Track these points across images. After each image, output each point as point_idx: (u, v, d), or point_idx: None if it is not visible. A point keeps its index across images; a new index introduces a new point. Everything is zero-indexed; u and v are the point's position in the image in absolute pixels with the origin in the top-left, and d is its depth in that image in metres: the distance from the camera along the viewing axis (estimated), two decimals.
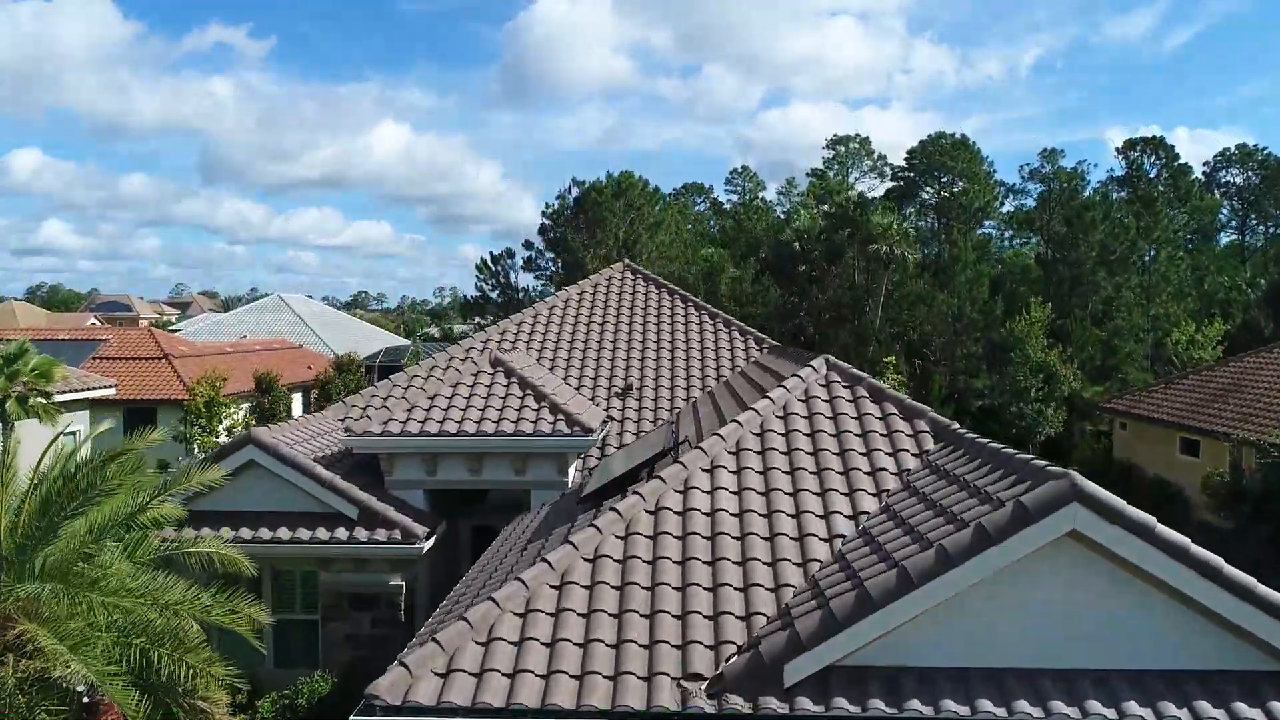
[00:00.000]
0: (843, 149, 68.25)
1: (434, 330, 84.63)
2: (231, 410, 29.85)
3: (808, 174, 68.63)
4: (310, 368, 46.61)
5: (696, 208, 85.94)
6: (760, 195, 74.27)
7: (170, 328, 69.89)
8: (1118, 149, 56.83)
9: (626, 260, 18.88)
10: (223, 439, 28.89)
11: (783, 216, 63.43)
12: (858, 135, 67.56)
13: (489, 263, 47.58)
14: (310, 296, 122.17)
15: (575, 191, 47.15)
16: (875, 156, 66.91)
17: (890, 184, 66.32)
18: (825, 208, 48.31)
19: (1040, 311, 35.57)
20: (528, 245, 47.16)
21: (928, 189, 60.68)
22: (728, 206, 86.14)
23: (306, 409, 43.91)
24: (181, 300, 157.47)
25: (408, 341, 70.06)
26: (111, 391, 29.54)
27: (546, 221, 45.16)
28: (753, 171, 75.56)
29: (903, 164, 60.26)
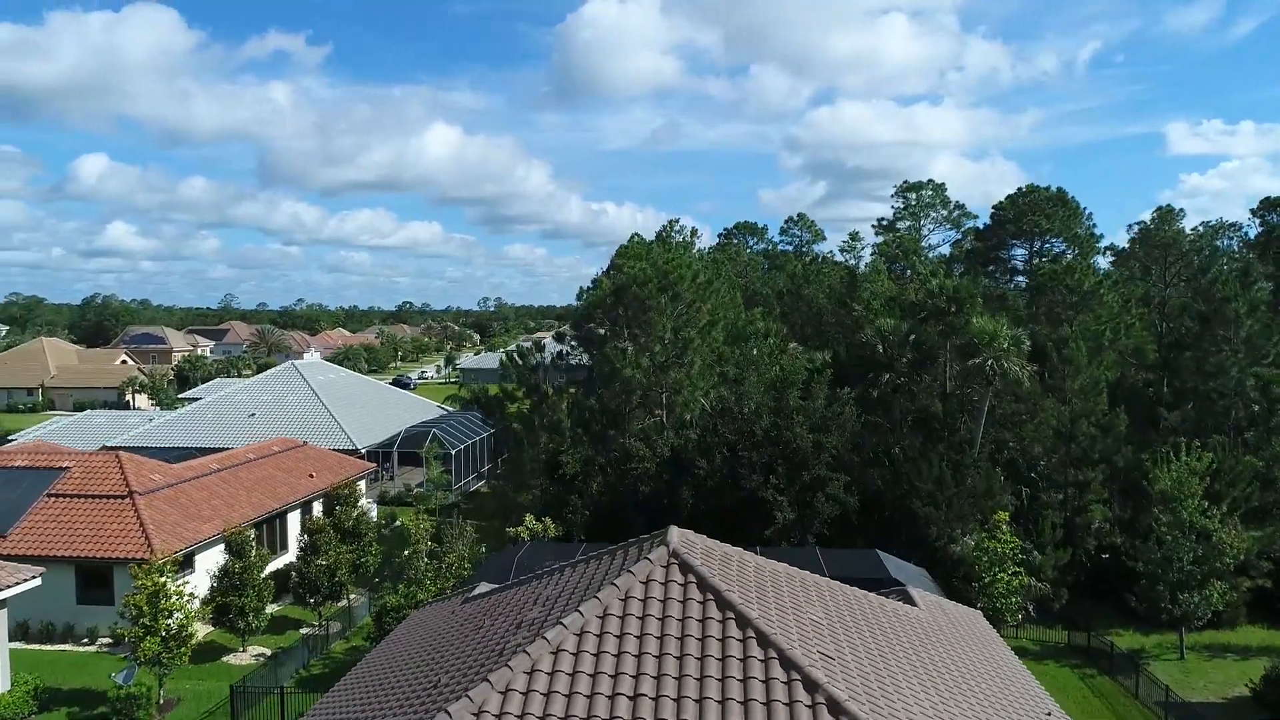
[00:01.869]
0: (914, 197, 60.91)
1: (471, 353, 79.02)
2: (182, 601, 23.95)
3: (874, 225, 61.36)
4: (313, 475, 40.94)
5: (751, 246, 79.26)
6: (816, 240, 66.97)
7: (179, 397, 64.89)
8: (1253, 210, 48.69)
9: (673, 549, 12.25)
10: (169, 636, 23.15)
11: (847, 275, 56.28)
12: (930, 182, 60.31)
13: (517, 357, 41.50)
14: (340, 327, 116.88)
15: (609, 255, 41.06)
16: (951, 206, 59.42)
17: (959, 236, 58.85)
18: (910, 291, 41.19)
19: (1200, 461, 28.29)
20: (559, 338, 40.98)
21: (1018, 246, 53.17)
22: (782, 248, 79.26)
23: (304, 526, 38.23)
24: (219, 327, 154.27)
25: (437, 409, 64.35)
26: (37, 582, 23.96)
27: (580, 310, 38.85)
28: (810, 220, 68.27)
29: (973, 212, 53.05)
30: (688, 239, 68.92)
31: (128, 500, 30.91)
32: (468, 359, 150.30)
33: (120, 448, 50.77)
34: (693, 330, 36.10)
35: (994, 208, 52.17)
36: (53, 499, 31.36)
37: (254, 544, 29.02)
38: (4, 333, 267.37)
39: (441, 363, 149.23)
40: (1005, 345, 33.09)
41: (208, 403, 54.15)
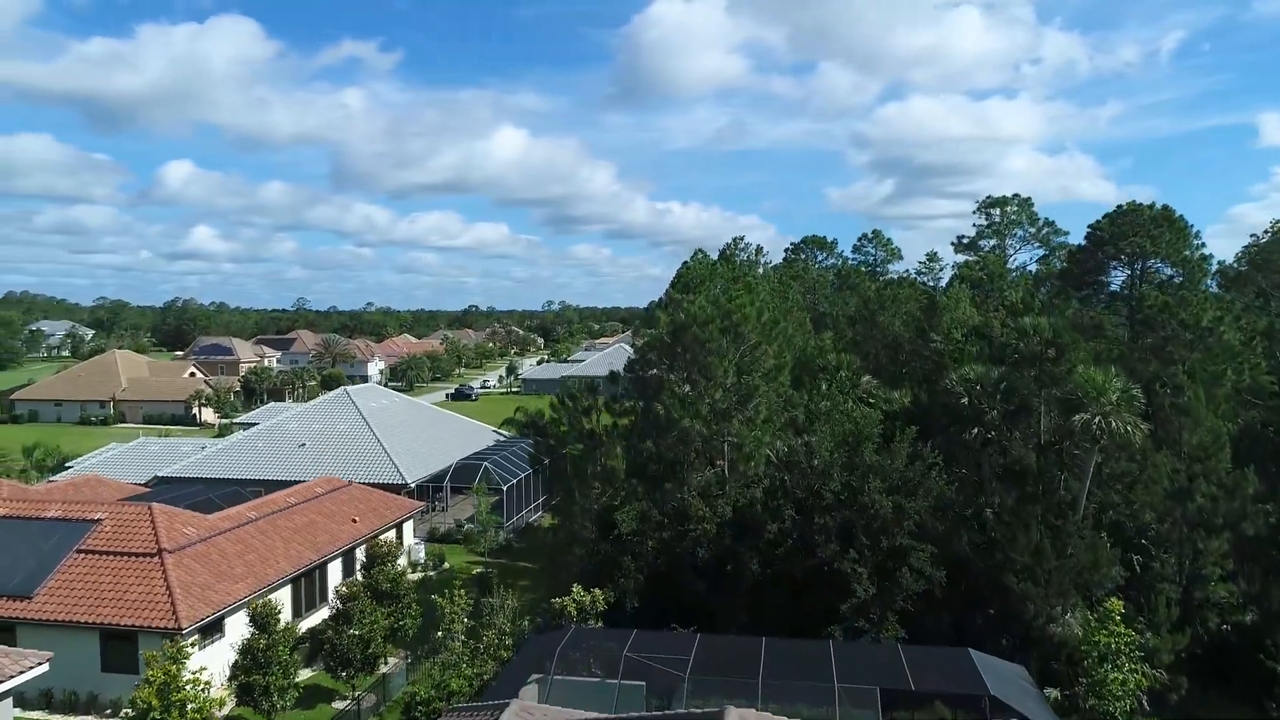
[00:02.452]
0: (997, 213, 56.41)
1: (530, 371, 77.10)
2: (197, 690, 21.91)
3: (954, 244, 57.07)
4: (356, 520, 39.08)
5: (819, 261, 75.49)
6: (892, 259, 62.90)
7: (235, 422, 64.18)
8: None
9: None
10: None
11: (925, 301, 52.25)
12: (1015, 196, 55.77)
13: (566, 400, 39.00)
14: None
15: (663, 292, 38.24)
16: (1039, 224, 54.79)
17: (1043, 250, 54.20)
18: (995, 323, 37.27)
19: None
20: (613, 379, 38.29)
21: (1116, 269, 48.51)
22: (852, 260, 75.27)
23: (348, 574, 36.36)
24: (286, 336, 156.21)
25: (492, 434, 62.39)
26: (44, 668, 22.21)
27: (636, 350, 36.06)
28: (886, 238, 64.17)
29: (1064, 228, 48.44)
30: (752, 257, 65.66)
31: (156, 559, 29.27)
32: (529, 368, 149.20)
33: (171, 478, 50.08)
34: (757, 374, 32.93)
35: (1090, 227, 47.69)
36: (82, 555, 29.93)
37: (279, 616, 26.86)
38: (90, 336, 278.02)
39: (504, 371, 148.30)
40: (1114, 400, 29.11)
41: (259, 431, 53.09)
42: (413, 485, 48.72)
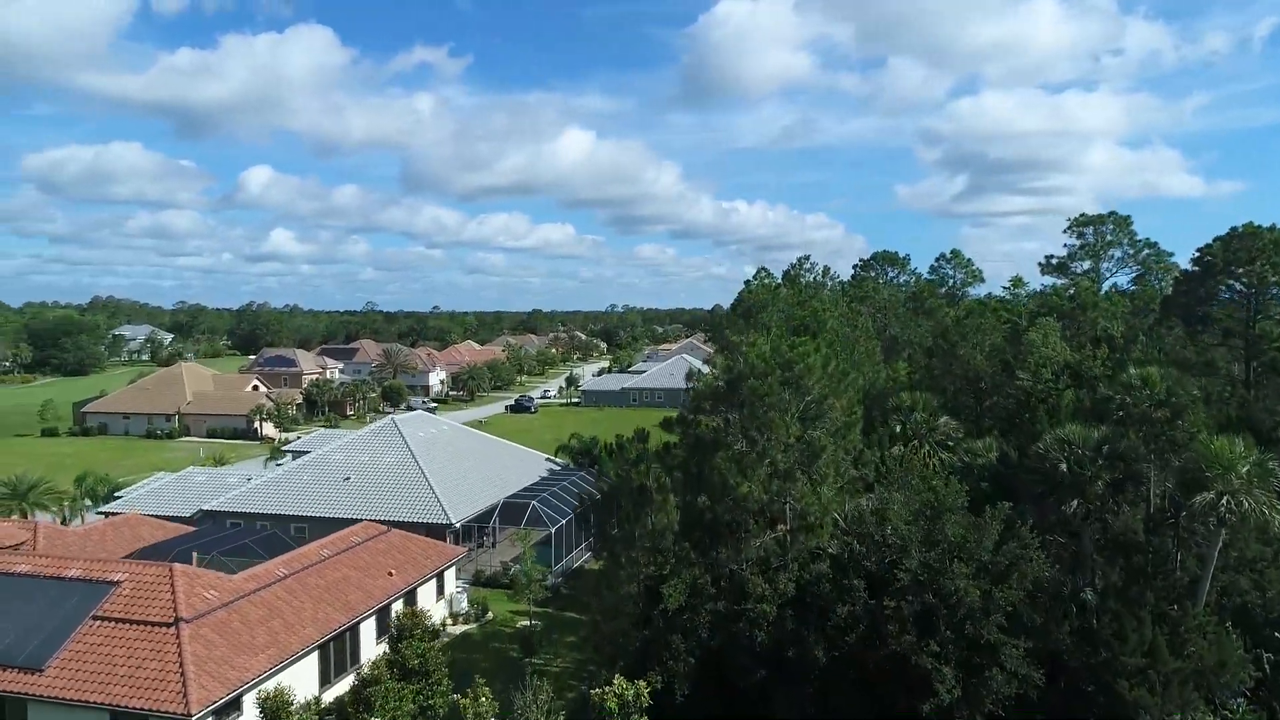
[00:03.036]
0: (1092, 233, 51.51)
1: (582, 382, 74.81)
2: None
3: (1042, 264, 52.36)
4: (392, 573, 36.89)
5: (891, 278, 71.20)
6: (972, 282, 58.38)
7: (286, 448, 63.09)
8: None
9: None
10: None
11: (1008, 331, 47.84)
12: (1112, 214, 50.65)
13: (614, 447, 36.11)
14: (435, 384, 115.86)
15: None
16: (1139, 246, 49.77)
17: (1139, 270, 49.11)
18: (1095, 364, 33.05)
19: None
20: (668, 425, 35.27)
21: (1228, 297, 43.44)
22: (928, 279, 70.79)
23: (382, 631, 34.12)
24: (349, 346, 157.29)
25: (543, 462, 59.98)
26: None
27: (688, 400, 32.93)
28: (966, 258, 59.66)
29: (1168, 249, 43.56)
30: (819, 278, 61.88)
31: (172, 630, 27.36)
32: (589, 378, 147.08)
33: (215, 511, 48.88)
34: (822, 430, 29.49)
35: (1199, 251, 42.78)
36: (98, 623, 28.22)
37: (290, 705, 24.56)
38: (169, 340, 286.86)
39: (564, 382, 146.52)
40: (1245, 474, 24.89)
41: (304, 463, 51.63)
42: (458, 525, 46.51)
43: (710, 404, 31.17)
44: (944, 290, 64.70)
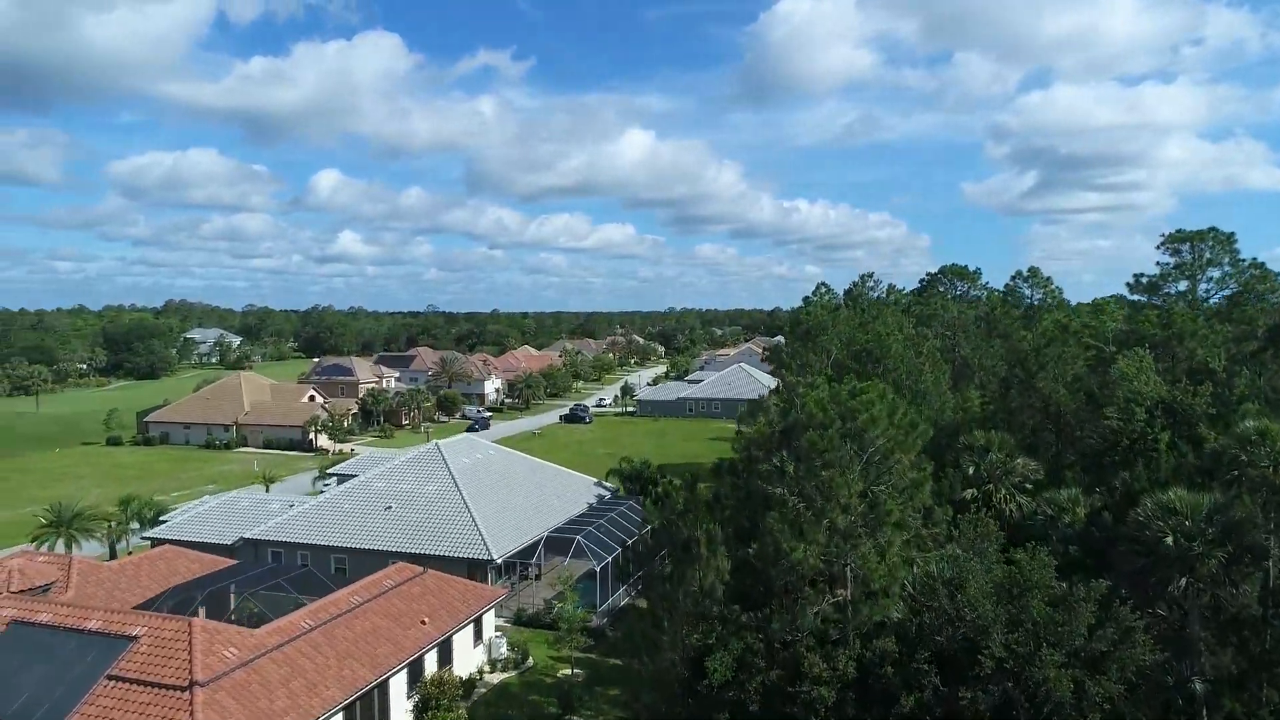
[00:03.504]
0: (1188, 250, 47.07)
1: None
2: None
3: (1130, 284, 48.12)
4: (425, 621, 34.98)
5: (960, 293, 67.23)
6: (1051, 302, 54.24)
7: (330, 473, 62.13)
8: None
9: None
10: None
11: (1093, 360, 43.81)
12: (1212, 230, 46.13)
13: (660, 493, 33.59)
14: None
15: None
16: (1244, 266, 45.23)
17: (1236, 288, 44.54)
18: (1197, 400, 29.32)
19: None
20: (717, 472, 32.59)
21: None
22: (1000, 291, 66.59)
23: (414, 685, 32.24)
24: (406, 354, 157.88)
25: (592, 487, 57.76)
26: None
27: (738, 449, 30.20)
28: (1045, 277, 55.50)
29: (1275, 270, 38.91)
30: (884, 295, 58.43)
31: (186, 696, 25.76)
32: (645, 388, 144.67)
33: (256, 540, 47.84)
34: (887, 487, 26.50)
35: None
36: (112, 683, 26.80)
37: None
38: (238, 343, 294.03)
39: (619, 391, 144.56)
40: None
41: (346, 490, 50.37)
42: (499, 560, 44.53)
43: (763, 452, 28.36)
44: (1020, 311, 60.39)
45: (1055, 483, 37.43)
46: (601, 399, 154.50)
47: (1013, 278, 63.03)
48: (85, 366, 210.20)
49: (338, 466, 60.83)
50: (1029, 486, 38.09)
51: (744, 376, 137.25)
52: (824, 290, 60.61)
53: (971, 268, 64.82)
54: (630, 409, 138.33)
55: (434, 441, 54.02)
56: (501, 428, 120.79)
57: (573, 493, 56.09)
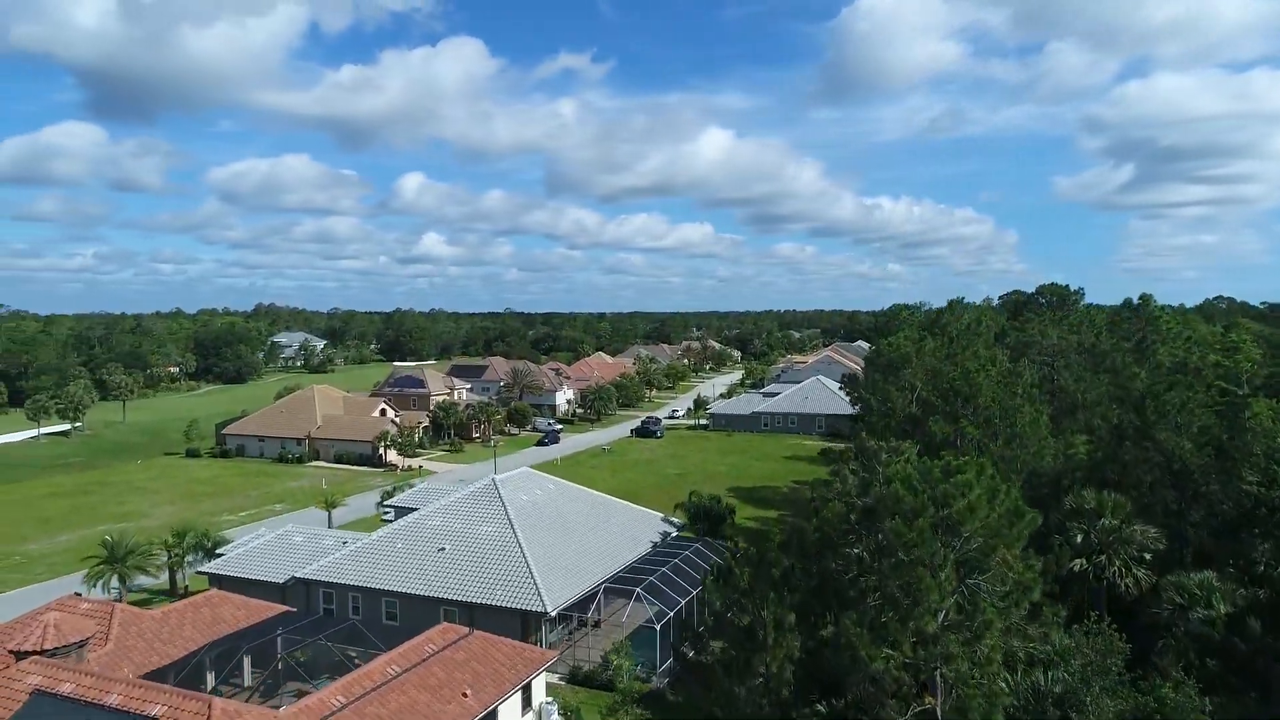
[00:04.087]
0: None
1: None
2: None
3: (1266, 306, 41.99)
4: (467, 693, 32.37)
5: (1062, 313, 61.63)
6: (1170, 336, 48.62)
7: (386, 505, 60.58)
8: None
9: None
10: None
11: (1225, 406, 38.47)
12: None
13: (723, 566, 30.06)
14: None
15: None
16: None
17: None
18: None
19: None
20: (784, 549, 28.95)
21: None
22: (1101, 307, 60.83)
23: None
24: (479, 363, 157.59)
25: (658, 523, 54.62)
26: None
27: (813, 528, 26.53)
28: (1159, 306, 49.77)
29: None
30: (974, 325, 53.65)
31: None
32: (718, 402, 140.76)
33: (307, 579, 46.31)
34: (986, 590, 22.54)
35: None
36: None
37: None
38: (321, 347, 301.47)
39: (692, 404, 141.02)
40: None
41: (400, 529, 48.46)
42: (553, 613, 41.80)
43: (837, 534, 24.72)
44: (1131, 343, 54.48)
45: (1178, 556, 32.58)
46: (674, 410, 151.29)
47: (1122, 306, 56.66)
48: (176, 370, 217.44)
49: (398, 497, 59.23)
50: (1147, 557, 33.31)
51: (821, 390, 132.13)
52: (907, 313, 56.08)
53: (1073, 287, 59.14)
54: (703, 422, 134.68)
55: (491, 476, 51.71)
56: (572, 441, 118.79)
57: (637, 531, 53.07)
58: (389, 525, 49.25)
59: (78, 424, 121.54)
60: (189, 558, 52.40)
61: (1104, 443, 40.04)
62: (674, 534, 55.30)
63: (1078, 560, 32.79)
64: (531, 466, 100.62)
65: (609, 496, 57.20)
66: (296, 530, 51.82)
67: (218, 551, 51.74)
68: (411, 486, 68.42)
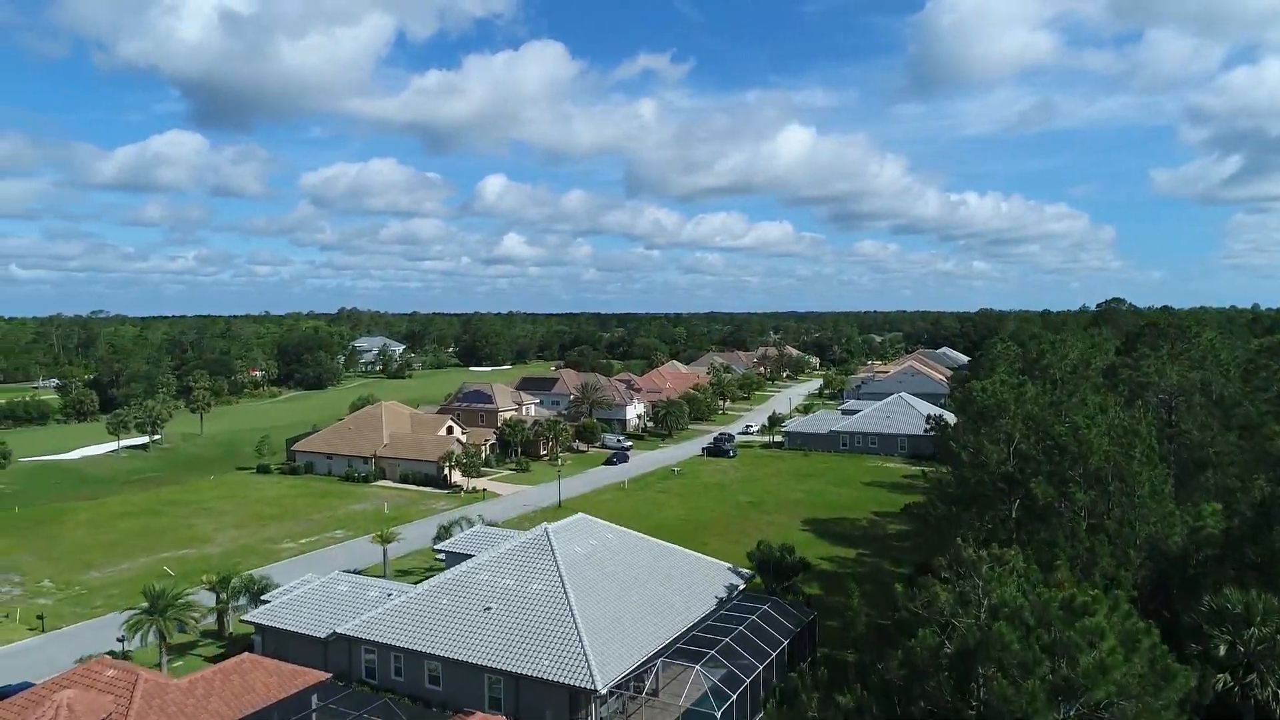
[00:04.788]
0: None
1: None
2: None
3: None
4: None
5: (1185, 348, 55.12)
6: None
7: (437, 549, 57.91)
8: None
9: None
10: None
11: None
12: None
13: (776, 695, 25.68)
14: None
15: None
16: None
17: None
18: None
19: None
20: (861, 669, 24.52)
21: None
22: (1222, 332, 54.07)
23: None
24: (549, 375, 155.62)
25: (725, 575, 50.48)
26: None
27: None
28: None
29: None
30: (1082, 366, 47.91)
31: None
32: (794, 419, 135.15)
33: (348, 637, 43.83)
34: None
35: None
36: None
37: None
38: (400, 351, 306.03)
39: (766, 420, 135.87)
40: None
41: (446, 583, 45.49)
42: (604, 690, 38.10)
43: (931, 677, 20.25)
44: (1270, 392, 47.66)
45: None
46: (748, 426, 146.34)
47: (1256, 353, 49.49)
48: (260, 375, 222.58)
49: (452, 539, 56.54)
50: None
51: (904, 408, 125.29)
52: (1005, 348, 50.51)
53: (1192, 322, 52.31)
54: (778, 439, 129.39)
55: (544, 526, 48.34)
56: (641, 460, 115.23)
57: (702, 585, 49.00)
58: (436, 578, 46.35)
59: (156, 437, 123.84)
60: (235, 602, 50.69)
61: (1243, 516, 34.16)
62: (742, 586, 51.06)
63: (1221, 676, 27.37)
64: (598, 489, 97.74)
65: (672, 546, 53.20)
66: (342, 578, 49.49)
67: (263, 597, 49.85)
68: (470, 525, 65.95)
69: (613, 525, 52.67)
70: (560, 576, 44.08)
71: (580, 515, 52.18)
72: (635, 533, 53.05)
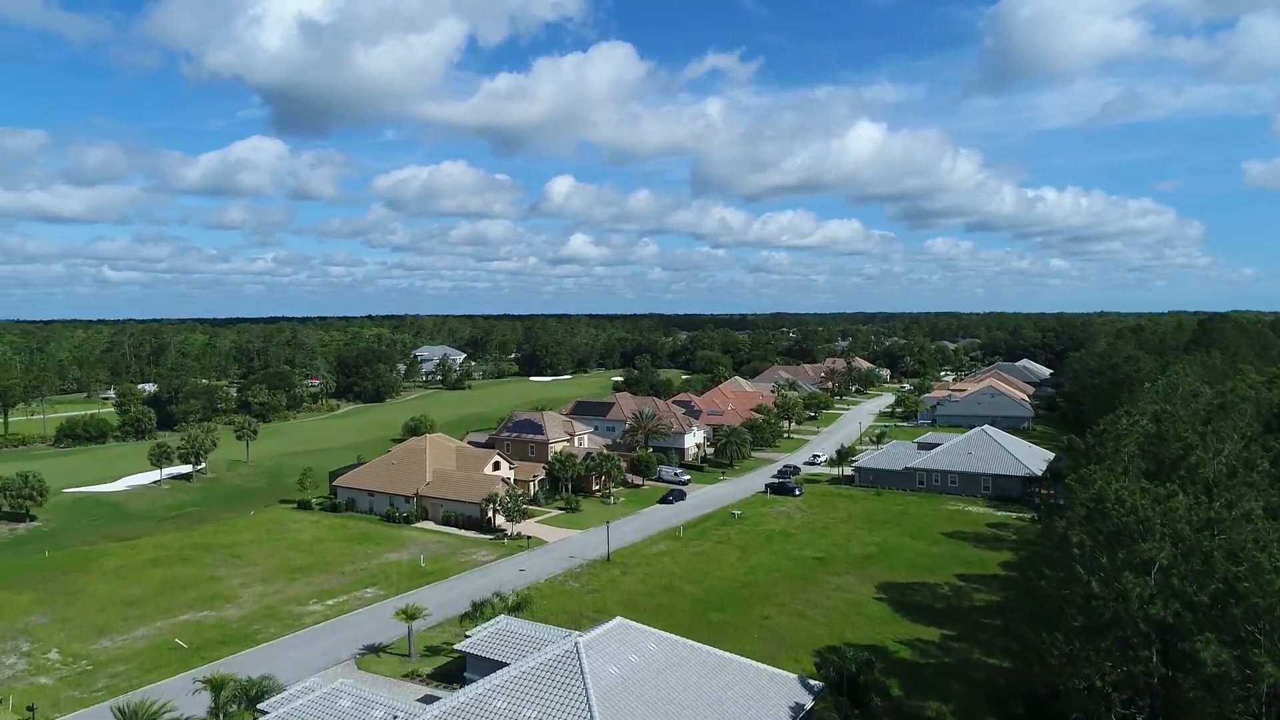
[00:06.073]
0: None
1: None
2: None
3: None
4: None
5: None
6: None
7: (466, 635, 51.13)
8: None
9: None
10: None
11: None
12: None
13: None
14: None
15: None
16: None
17: None
18: None
19: None
20: None
21: None
22: None
23: None
24: (604, 400, 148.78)
25: (788, 705, 42.56)
26: None
27: None
28: None
29: None
30: (1245, 469, 38.82)
31: None
32: (866, 453, 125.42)
33: None
34: None
35: None
36: None
37: None
38: (461, 360, 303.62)
39: (835, 453, 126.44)
40: None
41: (457, 711, 38.72)
42: None
43: None
44: None
45: None
46: (815, 455, 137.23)
47: None
48: (318, 386, 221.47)
49: (471, 640, 49.68)
50: None
51: (986, 443, 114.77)
52: (1128, 424, 41.79)
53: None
54: (848, 473, 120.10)
55: (575, 639, 41.13)
56: (699, 497, 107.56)
57: (762, 708, 41.20)
58: (447, 705, 39.50)
59: (200, 466, 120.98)
60: (230, 707, 44.87)
61: None
62: (809, 706, 43.13)
63: None
64: (650, 538, 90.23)
65: (728, 656, 45.42)
66: (345, 689, 43.11)
67: (260, 706, 43.90)
68: (502, 602, 59.32)
69: (655, 632, 45.19)
70: (590, 710, 36.82)
71: (619, 620, 44.80)
72: (683, 640, 45.44)
